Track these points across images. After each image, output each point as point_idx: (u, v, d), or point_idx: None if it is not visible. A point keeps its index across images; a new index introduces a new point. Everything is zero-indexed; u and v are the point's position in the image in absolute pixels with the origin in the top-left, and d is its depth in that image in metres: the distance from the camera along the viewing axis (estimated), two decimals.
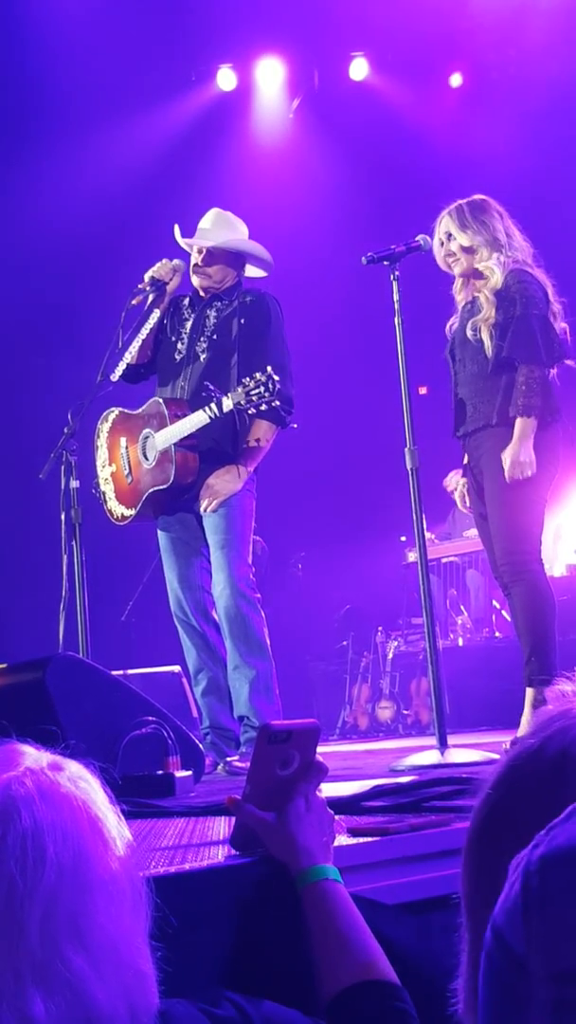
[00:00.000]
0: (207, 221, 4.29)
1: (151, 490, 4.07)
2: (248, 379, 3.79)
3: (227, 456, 4.03)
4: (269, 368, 3.77)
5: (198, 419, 3.92)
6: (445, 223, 3.75)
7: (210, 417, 3.88)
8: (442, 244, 3.76)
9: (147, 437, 4.13)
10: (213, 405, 3.87)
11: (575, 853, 0.70)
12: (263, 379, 3.75)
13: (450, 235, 3.73)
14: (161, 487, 4.03)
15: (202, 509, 4.00)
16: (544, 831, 0.72)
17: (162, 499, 4.08)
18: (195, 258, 4.20)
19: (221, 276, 4.20)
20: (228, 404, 3.83)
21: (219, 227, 4.26)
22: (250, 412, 3.83)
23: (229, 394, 3.84)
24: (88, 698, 2.82)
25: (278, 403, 3.79)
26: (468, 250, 3.70)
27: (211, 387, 3.95)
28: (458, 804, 1.94)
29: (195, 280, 4.19)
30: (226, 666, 4.01)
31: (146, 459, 4.13)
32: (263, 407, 3.78)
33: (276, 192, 8.52)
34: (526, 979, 0.68)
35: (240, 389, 3.80)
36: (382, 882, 1.66)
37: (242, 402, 3.78)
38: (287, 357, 4.09)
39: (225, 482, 3.98)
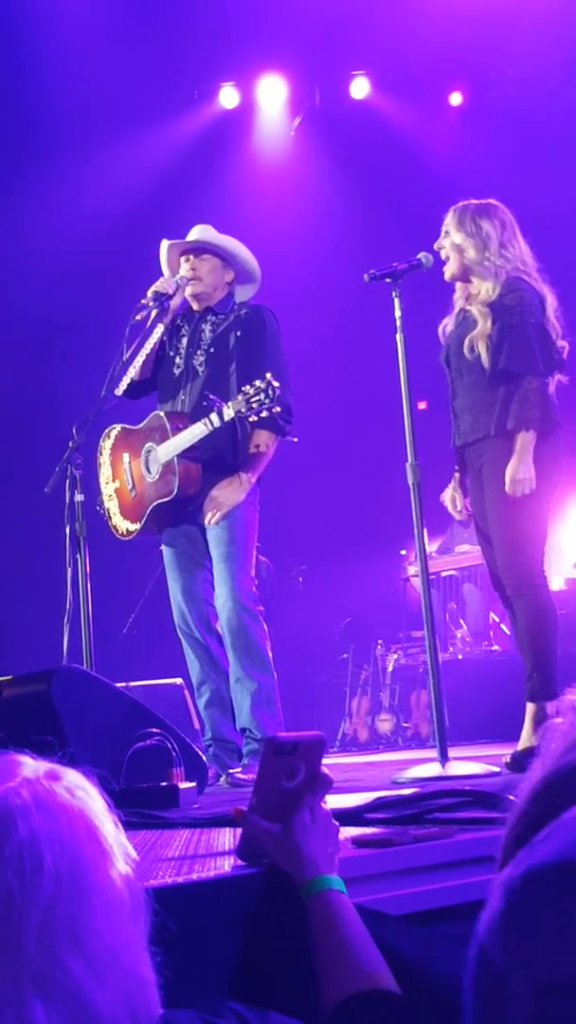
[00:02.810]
0: (193, 234, 4.33)
1: (155, 503, 4.09)
2: (248, 387, 3.83)
3: (228, 465, 4.05)
4: (268, 375, 3.80)
5: (199, 430, 3.95)
6: (447, 219, 3.74)
7: (208, 427, 3.91)
8: (439, 240, 3.76)
9: (149, 451, 4.15)
10: (214, 415, 3.90)
11: (555, 868, 0.71)
12: (263, 386, 3.78)
13: (447, 232, 3.72)
14: (165, 499, 4.05)
15: (206, 521, 4.02)
16: (526, 848, 0.74)
17: (166, 512, 4.11)
18: (185, 268, 4.23)
19: (212, 281, 4.23)
20: (229, 412, 3.86)
21: (205, 235, 4.31)
22: (251, 420, 3.86)
23: (229, 403, 3.87)
24: (92, 710, 2.83)
25: (279, 409, 3.82)
26: (457, 248, 3.69)
27: (212, 396, 3.98)
28: (461, 816, 1.96)
29: (188, 290, 4.23)
30: (228, 678, 4.02)
31: (149, 473, 4.16)
32: (264, 413, 3.80)
33: (278, 209, 8.57)
34: (507, 993, 0.69)
35: (240, 397, 3.82)
36: (386, 893, 1.67)
37: (243, 410, 3.81)
38: (285, 367, 4.12)
39: (228, 493, 4.00)
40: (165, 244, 4.35)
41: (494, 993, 0.71)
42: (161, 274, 4.34)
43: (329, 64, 8.69)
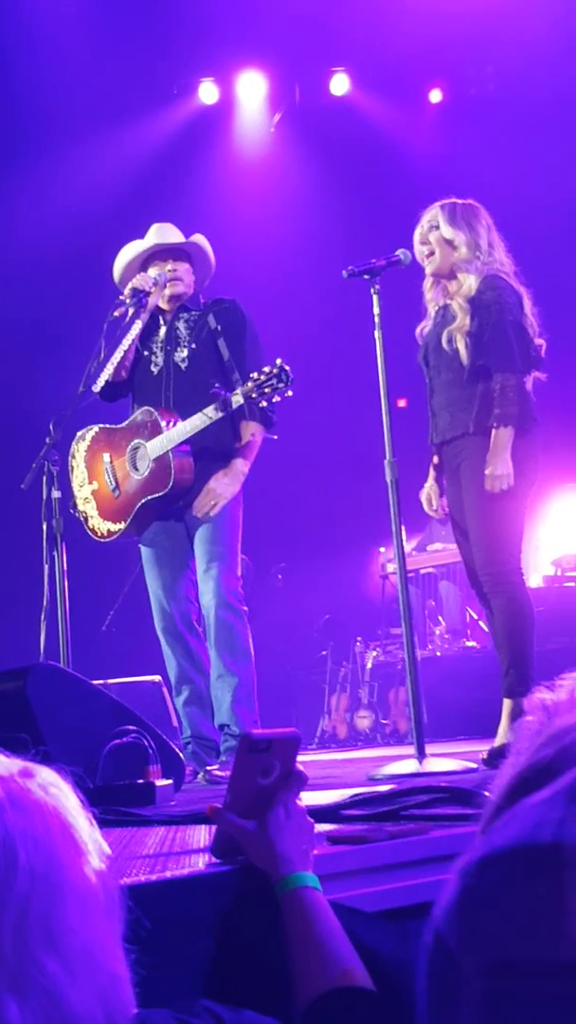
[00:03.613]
0: (159, 235, 4.30)
1: (146, 499, 4.06)
2: (256, 373, 3.82)
3: (230, 453, 4.05)
4: (279, 360, 3.80)
5: (199, 421, 3.92)
6: (433, 213, 3.74)
7: (212, 417, 3.89)
8: (421, 233, 3.75)
9: (137, 448, 4.12)
10: (218, 404, 3.88)
11: (509, 853, 0.72)
12: (275, 371, 3.78)
13: (434, 226, 3.72)
14: (157, 495, 4.02)
15: (202, 513, 3.99)
16: (484, 836, 0.75)
17: (154, 509, 4.08)
18: (156, 271, 4.20)
19: (190, 281, 4.25)
20: (237, 399, 3.85)
21: (174, 234, 4.30)
22: (262, 405, 3.84)
23: (238, 390, 3.86)
24: (69, 707, 2.82)
25: (291, 393, 3.81)
26: (448, 243, 3.69)
27: (217, 385, 3.96)
28: (436, 813, 1.96)
29: (168, 290, 4.19)
30: (208, 676, 4.02)
31: (136, 470, 4.13)
32: (276, 398, 3.80)
33: (257, 205, 8.56)
34: (459, 975, 0.70)
35: (250, 383, 3.82)
36: (361, 890, 1.67)
37: (254, 395, 3.81)
38: (266, 362, 4.13)
39: (225, 485, 3.99)
40: (139, 245, 4.30)
41: (447, 976, 0.71)
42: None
43: (309, 60, 8.67)
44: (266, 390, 3.79)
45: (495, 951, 0.69)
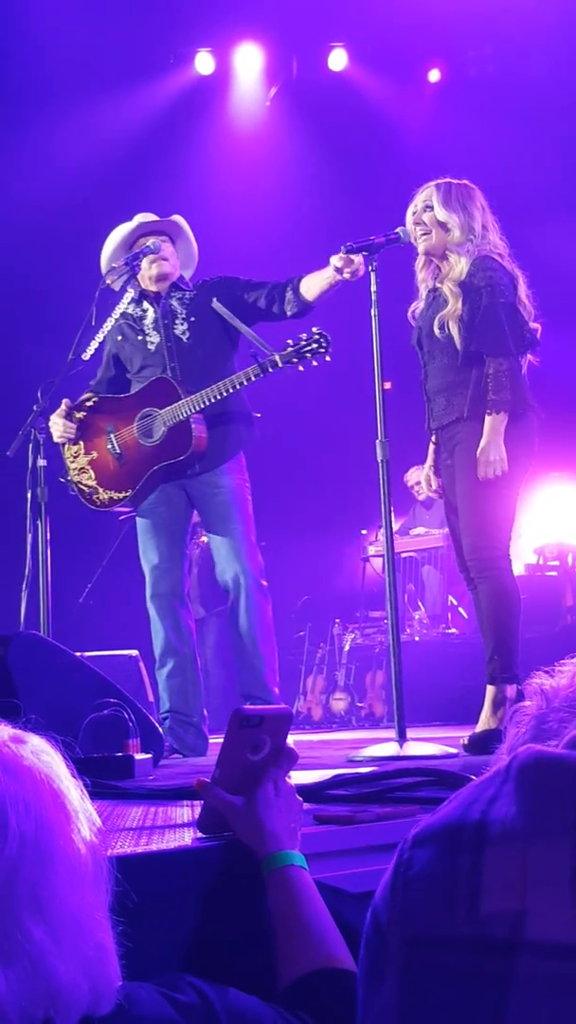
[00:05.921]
0: (143, 217, 4.28)
1: (158, 465, 4.05)
2: (293, 340, 3.86)
3: (245, 415, 4.14)
4: (316, 328, 3.85)
5: (232, 385, 3.92)
6: (428, 193, 3.67)
7: (247, 381, 3.91)
8: (414, 213, 3.70)
9: (148, 415, 4.10)
10: (255, 368, 3.89)
11: (441, 830, 0.74)
12: (316, 336, 3.81)
13: (428, 206, 3.67)
14: (174, 460, 4.02)
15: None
16: (429, 814, 0.77)
17: (162, 475, 4.07)
18: (152, 245, 4.16)
19: (175, 263, 4.25)
20: (278, 363, 3.86)
21: (150, 218, 4.29)
22: (300, 369, 3.88)
23: (276, 354, 3.86)
24: (49, 677, 2.80)
25: (329, 359, 3.86)
26: (442, 226, 3.63)
27: (253, 350, 4.01)
28: (423, 795, 1.94)
29: (155, 269, 4.15)
30: (194, 649, 4.07)
31: (149, 438, 4.11)
32: (315, 363, 3.84)
33: (252, 179, 8.48)
34: (385, 948, 0.72)
35: (289, 349, 3.84)
36: (346, 870, 1.66)
37: (294, 360, 3.83)
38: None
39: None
40: (124, 228, 4.25)
41: (375, 949, 0.73)
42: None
43: (307, 35, 8.57)
44: (307, 354, 3.82)
45: (414, 925, 0.71)
